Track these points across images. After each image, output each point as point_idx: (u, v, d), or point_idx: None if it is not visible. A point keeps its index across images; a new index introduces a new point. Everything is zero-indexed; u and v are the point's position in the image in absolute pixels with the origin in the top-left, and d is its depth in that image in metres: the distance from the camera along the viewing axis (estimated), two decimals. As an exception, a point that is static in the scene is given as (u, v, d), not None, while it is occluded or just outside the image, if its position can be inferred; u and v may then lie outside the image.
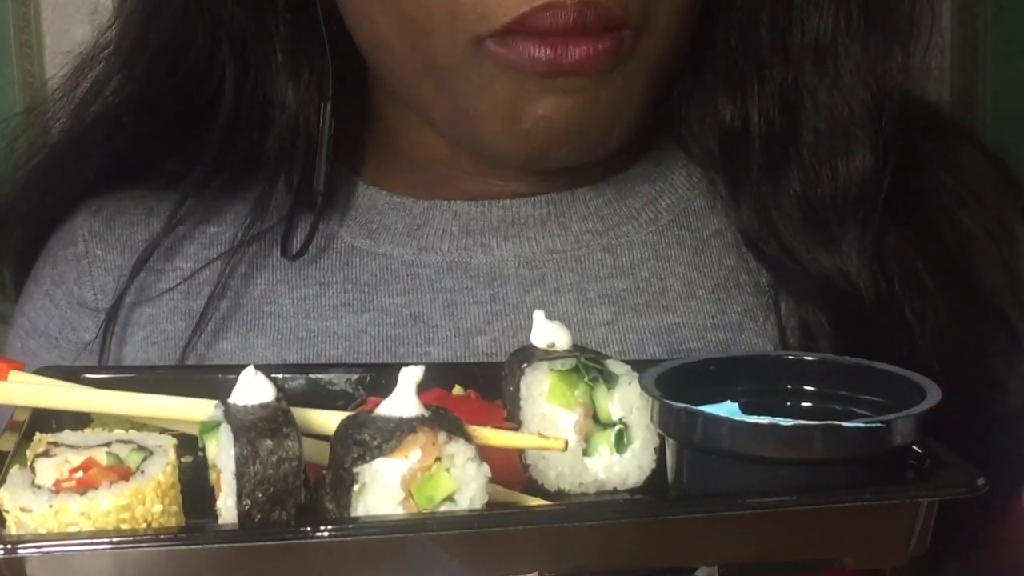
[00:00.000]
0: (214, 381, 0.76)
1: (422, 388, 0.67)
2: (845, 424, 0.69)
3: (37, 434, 0.71)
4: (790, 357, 0.79)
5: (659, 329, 0.92)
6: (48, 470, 0.67)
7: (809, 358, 0.78)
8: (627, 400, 0.76)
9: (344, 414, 0.70)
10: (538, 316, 0.78)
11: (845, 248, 0.91)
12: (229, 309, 0.94)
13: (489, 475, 0.67)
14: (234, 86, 0.95)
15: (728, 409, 0.70)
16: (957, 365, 0.91)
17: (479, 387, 0.80)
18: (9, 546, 0.63)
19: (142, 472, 0.67)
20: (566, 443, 0.72)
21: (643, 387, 0.73)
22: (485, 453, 0.67)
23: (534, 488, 0.75)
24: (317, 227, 0.94)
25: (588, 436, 0.76)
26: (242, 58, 0.95)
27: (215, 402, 0.69)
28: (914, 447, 0.71)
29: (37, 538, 0.64)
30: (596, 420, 0.76)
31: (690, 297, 0.93)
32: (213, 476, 0.69)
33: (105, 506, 0.64)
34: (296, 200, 0.94)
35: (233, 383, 0.68)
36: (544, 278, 0.93)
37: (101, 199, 0.99)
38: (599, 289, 0.93)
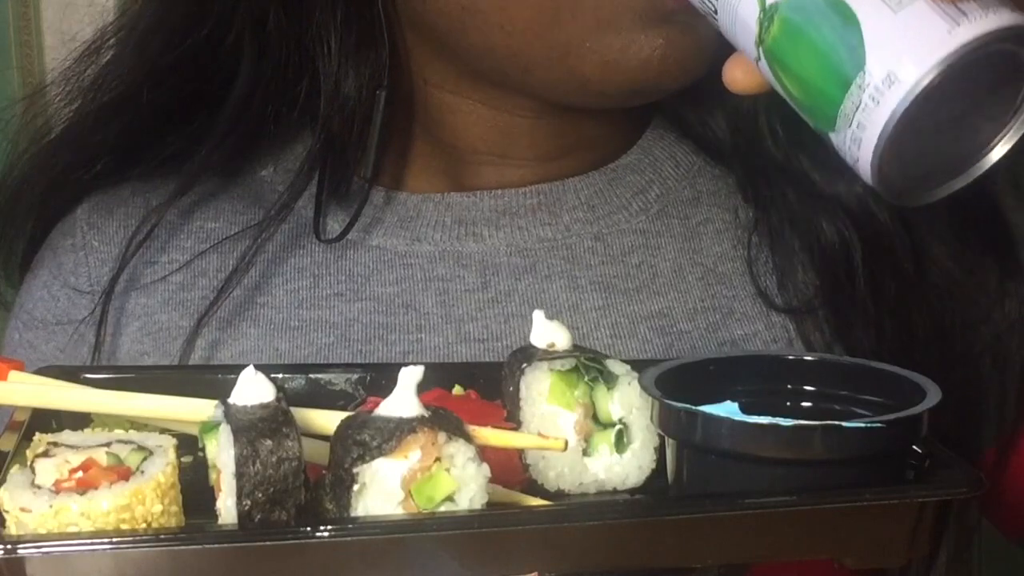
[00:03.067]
0: (214, 381, 0.76)
1: (422, 388, 0.68)
2: (845, 424, 0.69)
3: (37, 434, 0.71)
4: (790, 357, 0.79)
5: (650, 313, 0.93)
6: (48, 470, 0.67)
7: (809, 358, 0.78)
8: (627, 400, 0.76)
9: (344, 414, 0.70)
10: (538, 316, 0.78)
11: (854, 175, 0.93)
12: (221, 299, 0.94)
13: (489, 475, 0.67)
14: (250, 71, 0.96)
15: (728, 409, 0.70)
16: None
17: (479, 387, 0.80)
18: (9, 546, 0.63)
19: (142, 472, 0.67)
20: (566, 443, 0.72)
21: (643, 387, 0.73)
22: (485, 453, 0.67)
23: (534, 488, 0.75)
24: (360, 212, 0.94)
25: (588, 436, 0.76)
26: (259, 43, 0.96)
27: (215, 402, 0.69)
28: (914, 447, 0.72)
29: (37, 538, 0.64)
30: (596, 420, 0.76)
31: (680, 282, 0.94)
32: (213, 476, 0.69)
33: (105, 506, 0.64)
34: (321, 187, 0.95)
35: (233, 383, 0.68)
36: (535, 266, 0.94)
37: (102, 193, 1.00)
38: (590, 276, 0.94)
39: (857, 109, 0.69)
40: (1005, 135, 0.71)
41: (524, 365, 0.76)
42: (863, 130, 0.69)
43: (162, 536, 0.65)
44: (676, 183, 0.98)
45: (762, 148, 0.95)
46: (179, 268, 0.96)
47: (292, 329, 0.93)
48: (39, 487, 0.66)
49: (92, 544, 0.63)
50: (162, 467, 0.67)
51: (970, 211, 0.94)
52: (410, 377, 0.67)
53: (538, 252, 0.95)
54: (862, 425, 0.69)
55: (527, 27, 0.87)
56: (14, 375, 0.76)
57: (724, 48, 0.88)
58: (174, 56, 0.98)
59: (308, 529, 0.65)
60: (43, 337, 0.99)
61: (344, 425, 0.67)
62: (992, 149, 0.71)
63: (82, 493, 0.65)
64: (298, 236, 0.96)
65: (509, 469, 0.74)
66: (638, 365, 0.76)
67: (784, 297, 0.93)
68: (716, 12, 0.74)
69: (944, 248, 0.94)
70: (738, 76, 0.74)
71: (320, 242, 0.95)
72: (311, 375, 0.83)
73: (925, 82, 0.67)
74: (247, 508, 0.64)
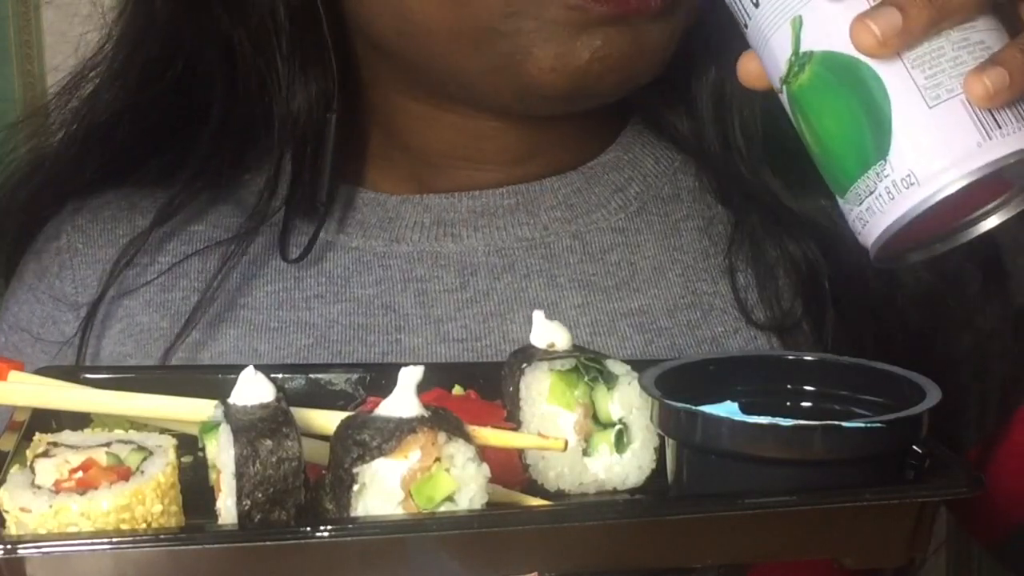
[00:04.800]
0: (214, 381, 0.76)
1: (422, 388, 0.68)
2: (845, 424, 0.69)
3: (37, 434, 0.71)
4: (790, 357, 0.79)
5: (629, 310, 0.93)
6: (48, 470, 0.67)
7: (809, 358, 0.78)
8: (627, 400, 0.76)
9: (344, 414, 0.70)
10: (538, 316, 0.78)
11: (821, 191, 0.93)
12: (202, 301, 0.95)
13: (489, 475, 0.67)
14: (223, 95, 0.97)
15: (728, 409, 0.70)
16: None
17: (479, 387, 0.80)
18: (9, 546, 0.63)
19: (142, 472, 0.67)
20: (566, 443, 0.72)
21: (643, 387, 0.73)
22: (485, 453, 0.67)
23: (534, 488, 0.75)
24: (318, 236, 0.95)
25: (588, 436, 0.76)
26: (230, 68, 0.97)
27: (215, 402, 0.69)
28: (914, 447, 0.71)
29: (37, 538, 0.64)
30: (596, 420, 0.76)
31: (660, 279, 0.94)
32: (213, 476, 0.69)
33: (105, 506, 0.64)
34: (290, 205, 0.96)
35: (233, 383, 0.68)
36: (514, 266, 0.94)
37: (87, 197, 1.01)
38: (569, 274, 0.94)
39: (871, 194, 0.68)
40: (997, 212, 0.70)
41: (524, 365, 0.76)
42: (872, 215, 0.68)
43: (162, 536, 0.65)
44: (656, 180, 0.98)
45: (731, 160, 0.95)
46: (163, 272, 0.96)
47: (272, 330, 0.94)
48: (39, 487, 0.66)
49: (92, 544, 0.63)
50: (162, 467, 0.67)
51: None
52: (410, 377, 0.67)
53: (516, 252, 0.95)
54: (862, 425, 0.69)
55: (458, 48, 0.88)
56: (14, 375, 0.76)
57: (674, 48, 0.88)
58: (153, 87, 0.99)
59: (308, 529, 0.65)
60: (28, 341, 0.99)
61: (344, 425, 0.67)
62: (980, 222, 0.71)
63: (82, 493, 0.65)
64: (279, 238, 0.96)
65: (509, 469, 0.74)
66: (638, 365, 0.76)
67: (765, 304, 0.93)
68: (747, 26, 0.72)
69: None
70: (753, 71, 0.73)
71: (285, 261, 0.95)
72: (311, 375, 0.83)
73: (944, 193, 0.66)
74: (247, 508, 0.64)
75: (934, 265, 0.93)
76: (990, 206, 0.71)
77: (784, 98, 0.71)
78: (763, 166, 0.94)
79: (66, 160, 1.01)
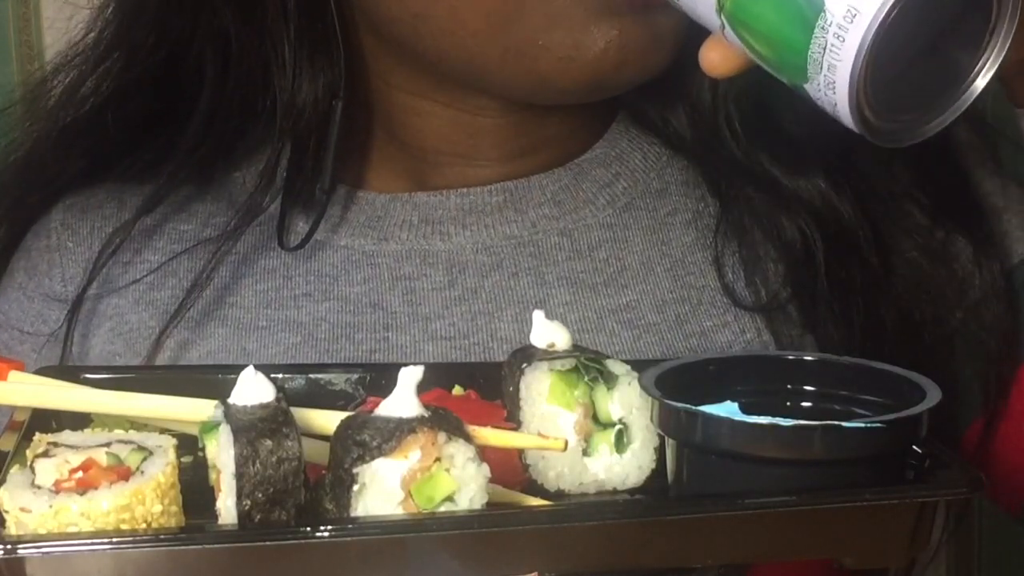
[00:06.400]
0: (214, 381, 0.76)
1: (422, 388, 0.68)
2: (845, 424, 0.69)
3: (37, 434, 0.71)
4: (790, 357, 0.79)
5: (618, 306, 0.93)
6: (48, 470, 0.67)
7: (809, 358, 0.78)
8: (627, 400, 0.76)
9: (344, 414, 0.70)
10: (538, 316, 0.78)
11: (816, 171, 0.94)
12: (190, 299, 0.95)
13: (489, 475, 0.67)
14: (213, 86, 0.97)
15: (728, 409, 0.71)
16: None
17: (479, 387, 0.80)
18: (9, 546, 0.63)
19: (142, 472, 0.67)
20: (566, 443, 0.72)
21: (643, 387, 0.73)
22: (485, 453, 0.67)
23: (534, 488, 0.75)
24: (319, 223, 0.95)
25: (588, 436, 0.76)
26: (222, 58, 0.97)
27: (215, 402, 0.69)
28: (914, 447, 0.72)
29: (37, 538, 0.64)
30: (596, 420, 0.76)
31: (648, 274, 0.94)
32: (213, 476, 0.69)
33: (105, 506, 0.64)
34: (288, 195, 0.96)
35: (233, 383, 0.68)
36: (502, 263, 0.95)
37: (76, 195, 1.01)
38: (557, 272, 0.94)
39: (825, 51, 0.67)
40: (986, 63, 0.70)
41: (524, 365, 0.76)
42: (834, 71, 0.67)
43: (162, 536, 0.65)
44: (644, 175, 0.98)
45: (722, 145, 0.95)
46: (152, 270, 0.96)
47: (260, 329, 0.94)
48: (39, 487, 0.66)
49: (92, 544, 0.63)
50: (162, 467, 0.67)
51: (942, 185, 0.95)
52: (410, 377, 0.67)
53: (504, 249, 0.95)
54: (862, 425, 0.69)
55: (479, 30, 0.88)
56: (14, 375, 0.76)
57: (683, 40, 0.88)
58: (137, 74, 0.99)
59: (308, 529, 0.65)
60: (18, 339, 0.99)
61: (344, 425, 0.67)
62: (975, 79, 0.70)
63: (82, 493, 0.65)
64: (269, 238, 0.97)
65: (509, 469, 0.74)
66: (638, 365, 0.76)
67: (752, 289, 0.93)
68: None
69: (911, 240, 0.94)
70: (715, 59, 0.74)
71: (283, 249, 0.95)
72: (311, 375, 0.83)
73: (887, 8, 0.65)
74: (247, 508, 0.64)
75: (921, 247, 0.94)
76: (979, 61, 0.70)
77: (729, 33, 0.72)
78: (758, 147, 0.94)
79: (52, 152, 1.01)
